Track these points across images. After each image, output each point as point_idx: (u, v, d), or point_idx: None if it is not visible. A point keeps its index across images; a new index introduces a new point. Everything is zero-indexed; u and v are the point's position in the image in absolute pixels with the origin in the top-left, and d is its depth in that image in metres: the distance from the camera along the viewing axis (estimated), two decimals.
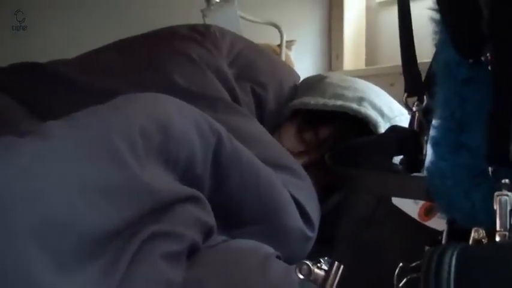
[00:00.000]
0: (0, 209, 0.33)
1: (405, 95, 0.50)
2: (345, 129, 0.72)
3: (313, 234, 0.58)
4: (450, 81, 0.37)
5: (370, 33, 1.63)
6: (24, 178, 0.36)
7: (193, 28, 0.75)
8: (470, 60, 0.36)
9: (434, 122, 0.39)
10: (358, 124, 0.71)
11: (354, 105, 0.70)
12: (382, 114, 0.71)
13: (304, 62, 1.58)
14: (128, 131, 0.43)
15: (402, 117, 0.73)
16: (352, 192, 0.50)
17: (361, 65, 1.64)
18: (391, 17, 1.54)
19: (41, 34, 1.15)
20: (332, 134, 0.73)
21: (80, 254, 0.35)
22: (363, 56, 1.64)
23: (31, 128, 0.47)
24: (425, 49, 0.44)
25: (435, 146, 0.37)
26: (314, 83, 0.79)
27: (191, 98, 0.58)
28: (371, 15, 1.64)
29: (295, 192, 0.57)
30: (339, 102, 0.72)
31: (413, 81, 0.49)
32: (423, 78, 0.50)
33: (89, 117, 0.44)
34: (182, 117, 0.48)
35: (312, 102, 0.73)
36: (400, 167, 0.50)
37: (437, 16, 0.39)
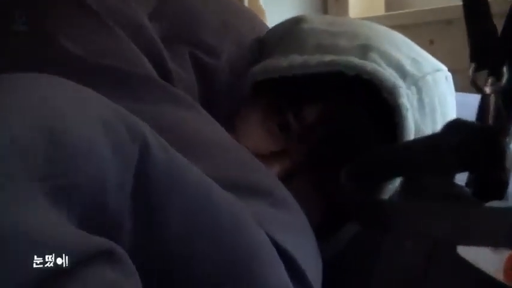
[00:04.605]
0: None
1: (472, 67, 0.44)
2: (345, 103, 0.62)
3: None
4: None
5: None
6: None
7: None
8: None
9: None
10: (364, 93, 0.60)
11: (354, 59, 0.60)
12: (402, 71, 0.60)
13: (281, 7, 1.45)
14: None
15: (437, 75, 0.63)
16: (388, 235, 0.44)
17: (378, 9, 1.54)
18: None
19: None
20: (324, 114, 0.62)
21: None
22: None
23: None
24: None
25: None
26: (284, 33, 0.68)
27: (91, 76, 0.51)
28: None
29: (276, 232, 0.49)
30: (328, 58, 0.60)
31: (483, 44, 0.44)
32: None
33: None
34: (81, 115, 0.42)
35: (284, 64, 0.61)
36: (467, 191, 0.44)
37: None
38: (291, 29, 0.69)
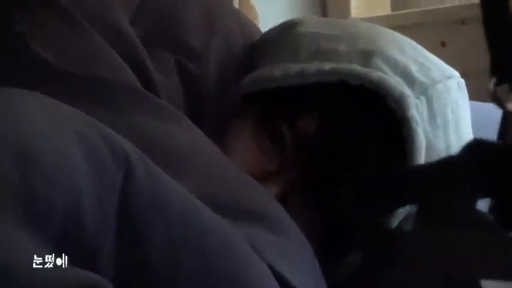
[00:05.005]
0: None
1: (493, 81, 0.41)
2: (346, 113, 0.60)
3: None
4: None
5: None
6: None
7: None
8: None
9: None
10: (367, 102, 0.58)
11: (357, 67, 0.58)
12: (410, 79, 0.59)
13: (275, 7, 1.43)
14: None
15: (449, 82, 0.61)
16: (401, 266, 0.41)
17: (383, 8, 1.52)
18: None
19: None
20: (323, 126, 0.60)
21: None
22: None
23: None
24: None
25: None
26: (277, 38, 0.66)
27: (66, 86, 0.51)
28: None
29: (275, 260, 0.48)
30: (328, 66, 0.59)
31: (505, 54, 0.41)
32: None
33: None
34: (56, 132, 0.42)
35: (277, 73, 0.60)
36: (490, 218, 0.42)
37: None
38: (285, 33, 0.67)
